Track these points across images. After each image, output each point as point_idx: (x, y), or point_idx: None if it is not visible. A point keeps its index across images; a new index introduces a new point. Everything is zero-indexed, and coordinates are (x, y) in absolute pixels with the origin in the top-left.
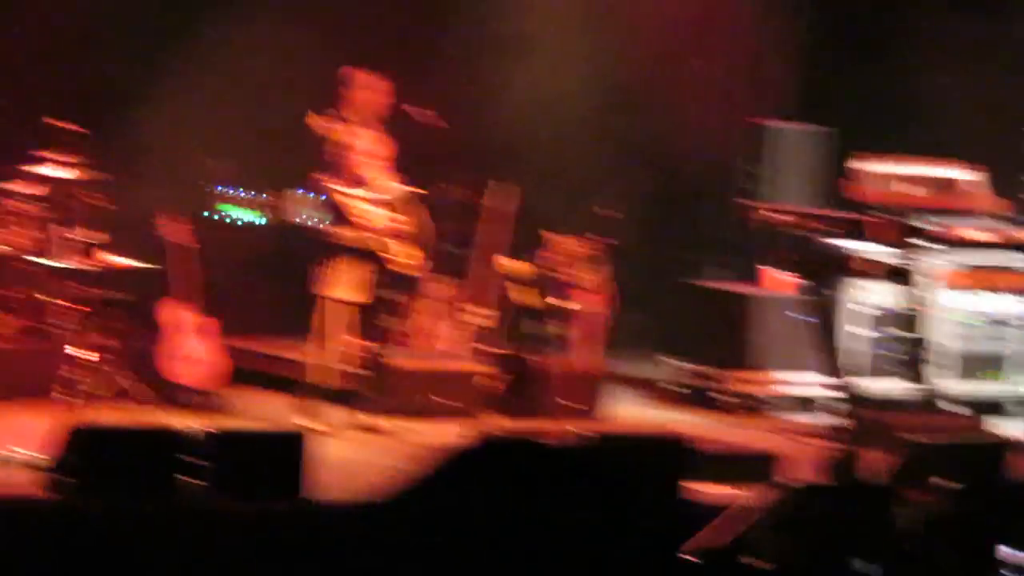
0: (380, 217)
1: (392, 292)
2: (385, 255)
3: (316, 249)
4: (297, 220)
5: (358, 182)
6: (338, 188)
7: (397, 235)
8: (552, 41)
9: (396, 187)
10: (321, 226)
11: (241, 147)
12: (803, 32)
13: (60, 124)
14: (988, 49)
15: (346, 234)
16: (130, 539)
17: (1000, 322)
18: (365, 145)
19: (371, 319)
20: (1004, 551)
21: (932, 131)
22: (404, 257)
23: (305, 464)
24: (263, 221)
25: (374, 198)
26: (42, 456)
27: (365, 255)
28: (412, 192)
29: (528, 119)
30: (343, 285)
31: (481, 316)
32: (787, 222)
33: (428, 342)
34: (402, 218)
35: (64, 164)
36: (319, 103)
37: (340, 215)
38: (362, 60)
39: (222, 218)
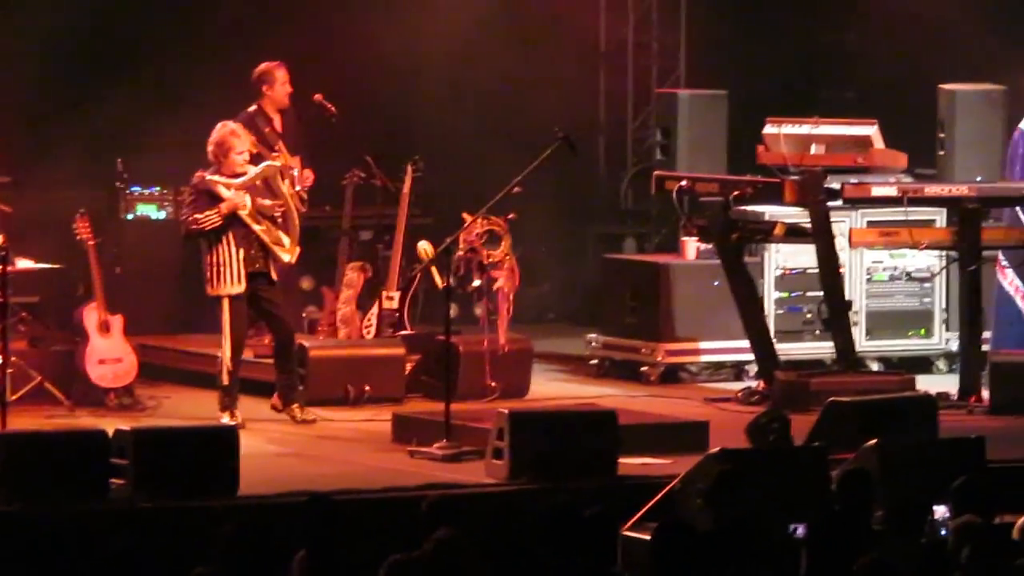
0: (245, 201)
1: (309, 281)
2: (262, 238)
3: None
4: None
5: (237, 176)
6: (213, 179)
7: (258, 216)
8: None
9: (255, 169)
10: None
11: (153, 147)
12: None
13: None
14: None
15: (213, 220)
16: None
17: (920, 279)
18: (244, 145)
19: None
20: (939, 510)
21: (832, 89)
22: (272, 243)
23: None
24: (163, 216)
25: (240, 183)
26: None
27: (239, 242)
28: (278, 171)
29: (436, 103)
30: (227, 280)
31: (401, 301)
32: (707, 191)
33: (348, 329)
34: (269, 202)
35: None
36: (231, 102)
37: (212, 202)
38: (261, 55)
39: (136, 218)
